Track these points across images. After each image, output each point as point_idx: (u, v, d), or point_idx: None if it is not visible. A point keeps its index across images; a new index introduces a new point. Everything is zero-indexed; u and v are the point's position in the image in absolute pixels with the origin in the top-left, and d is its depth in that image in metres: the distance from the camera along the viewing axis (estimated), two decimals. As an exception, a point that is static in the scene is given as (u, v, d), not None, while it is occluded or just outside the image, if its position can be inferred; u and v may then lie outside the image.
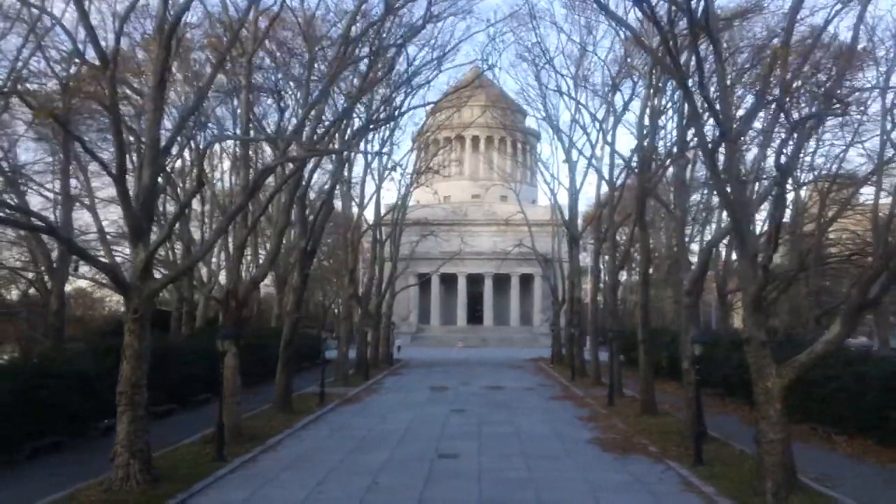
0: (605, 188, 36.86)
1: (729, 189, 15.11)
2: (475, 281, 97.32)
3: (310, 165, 26.83)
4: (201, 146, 28.89)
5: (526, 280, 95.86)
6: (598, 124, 37.19)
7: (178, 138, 24.77)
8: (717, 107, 14.84)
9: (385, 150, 39.65)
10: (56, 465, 18.46)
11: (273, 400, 27.79)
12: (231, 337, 19.24)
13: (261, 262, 58.75)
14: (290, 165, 19.14)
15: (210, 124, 35.71)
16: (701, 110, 14.64)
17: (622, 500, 15.26)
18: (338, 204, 44.95)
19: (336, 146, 29.07)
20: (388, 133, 42.18)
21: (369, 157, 41.07)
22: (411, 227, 66.64)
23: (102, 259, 27.99)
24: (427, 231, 61.95)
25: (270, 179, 22.34)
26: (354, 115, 31.45)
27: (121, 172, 15.04)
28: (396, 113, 31.80)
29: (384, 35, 25.20)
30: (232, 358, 21.55)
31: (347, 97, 29.29)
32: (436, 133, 66.09)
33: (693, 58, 14.94)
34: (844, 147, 33.56)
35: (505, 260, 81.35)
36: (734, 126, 15.53)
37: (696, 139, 17.98)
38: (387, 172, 44.58)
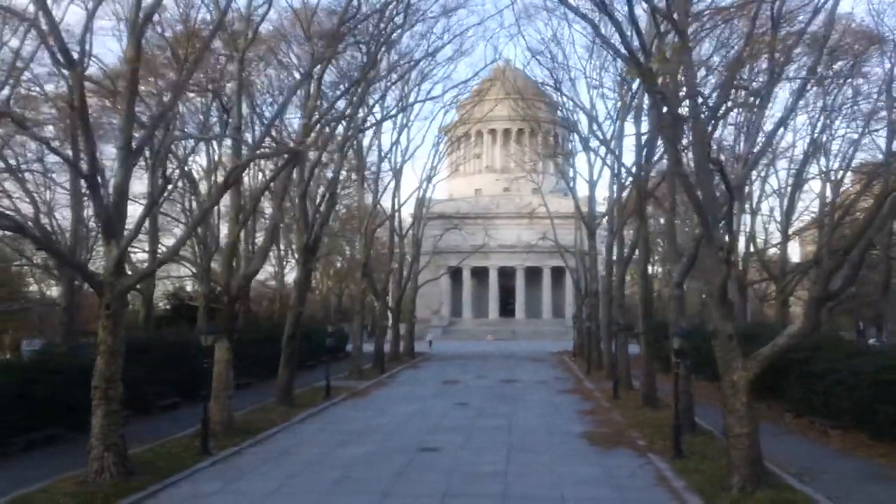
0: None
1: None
2: (507, 274, 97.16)
3: (311, 159, 27.14)
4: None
5: (558, 273, 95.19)
6: (612, 116, 36.80)
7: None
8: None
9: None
10: (47, 457, 18.92)
11: (276, 394, 28.10)
12: (216, 332, 19.55)
13: (287, 256, 59.62)
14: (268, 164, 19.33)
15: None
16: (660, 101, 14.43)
17: (586, 493, 15.22)
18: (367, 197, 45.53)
19: (340, 140, 29.43)
20: (404, 122, 42.53)
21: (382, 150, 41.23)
22: (441, 221, 66.81)
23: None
24: (451, 225, 62.05)
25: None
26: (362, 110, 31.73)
27: (92, 173, 15.38)
28: (401, 105, 31.90)
29: (378, 31, 25.38)
30: (225, 352, 21.94)
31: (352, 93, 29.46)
32: (460, 127, 66.05)
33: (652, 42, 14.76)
34: (857, 137, 32.88)
35: (537, 253, 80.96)
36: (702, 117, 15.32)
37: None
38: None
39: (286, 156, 23.03)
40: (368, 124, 34.81)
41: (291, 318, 28.00)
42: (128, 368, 26.28)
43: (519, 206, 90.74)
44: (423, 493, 15.22)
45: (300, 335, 29.23)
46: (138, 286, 35.52)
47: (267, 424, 23.40)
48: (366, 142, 43.28)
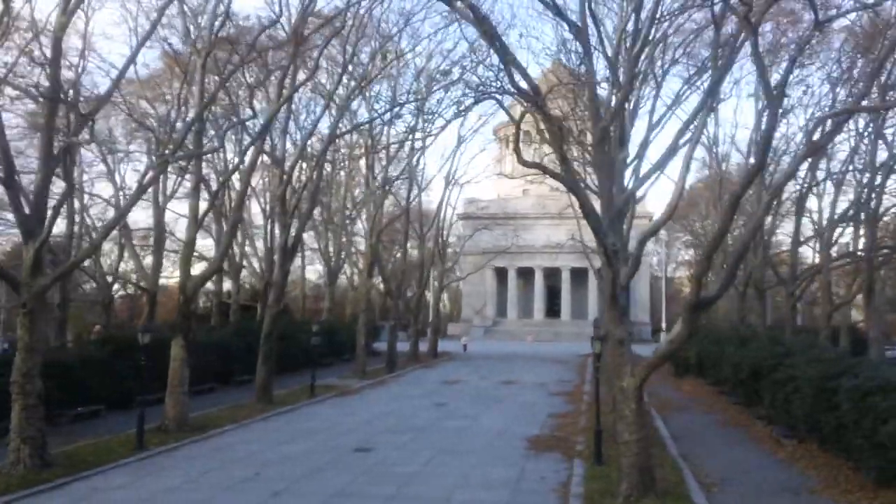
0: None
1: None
2: (552, 275, 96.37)
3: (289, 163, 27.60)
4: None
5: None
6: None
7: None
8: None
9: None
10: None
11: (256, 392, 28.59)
12: (150, 331, 20.06)
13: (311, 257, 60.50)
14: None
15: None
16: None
17: (477, 496, 15.14)
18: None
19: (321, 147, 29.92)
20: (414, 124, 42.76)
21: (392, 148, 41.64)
22: (474, 221, 66.71)
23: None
24: (482, 225, 62.14)
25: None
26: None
27: (9, 176, 16.05)
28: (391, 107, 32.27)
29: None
30: (179, 350, 22.47)
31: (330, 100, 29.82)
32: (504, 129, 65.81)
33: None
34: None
35: (581, 254, 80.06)
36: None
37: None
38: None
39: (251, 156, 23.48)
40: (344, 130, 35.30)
41: (269, 317, 28.47)
42: (112, 364, 27.51)
43: (561, 207, 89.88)
44: (316, 491, 15.37)
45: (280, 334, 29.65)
46: (143, 286, 36.84)
47: (226, 422, 23.80)
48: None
